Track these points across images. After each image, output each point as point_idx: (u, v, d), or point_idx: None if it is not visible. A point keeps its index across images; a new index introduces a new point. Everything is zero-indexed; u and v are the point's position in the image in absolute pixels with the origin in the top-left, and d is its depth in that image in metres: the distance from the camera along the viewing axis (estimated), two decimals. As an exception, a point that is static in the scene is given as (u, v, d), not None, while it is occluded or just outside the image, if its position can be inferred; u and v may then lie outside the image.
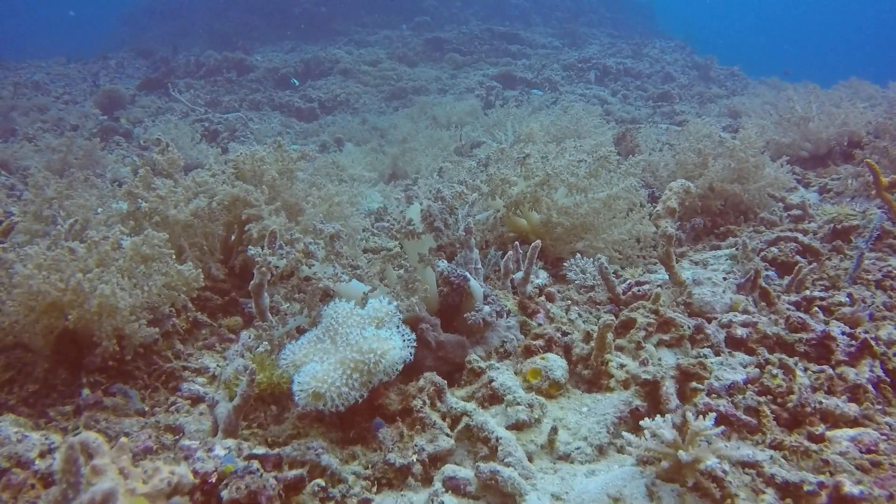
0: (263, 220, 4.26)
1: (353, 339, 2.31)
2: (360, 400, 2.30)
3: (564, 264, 4.59)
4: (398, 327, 2.46)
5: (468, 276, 3.02)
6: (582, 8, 32.29)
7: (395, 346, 2.32)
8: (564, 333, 3.17)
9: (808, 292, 4.18)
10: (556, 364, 2.84)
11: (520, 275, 3.44)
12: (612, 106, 16.80)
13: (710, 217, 6.41)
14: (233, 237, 4.57)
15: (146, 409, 3.08)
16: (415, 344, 2.45)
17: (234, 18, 26.86)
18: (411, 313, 2.70)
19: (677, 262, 5.85)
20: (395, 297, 2.69)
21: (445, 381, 2.64)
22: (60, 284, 2.76)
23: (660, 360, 2.90)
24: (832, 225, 5.72)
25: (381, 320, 2.44)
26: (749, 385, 2.83)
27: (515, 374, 2.88)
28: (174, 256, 4.17)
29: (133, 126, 12.14)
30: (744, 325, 3.40)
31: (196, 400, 3.24)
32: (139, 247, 3.15)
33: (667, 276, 4.94)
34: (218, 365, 3.60)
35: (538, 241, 3.34)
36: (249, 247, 2.54)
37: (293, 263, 2.54)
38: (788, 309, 3.99)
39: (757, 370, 2.93)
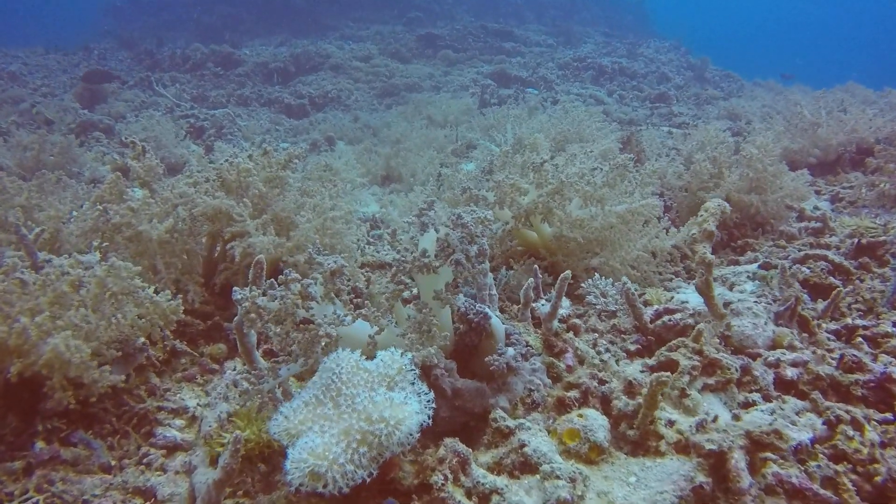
0: (249, 238, 3.83)
1: (361, 404, 1.89)
2: (369, 479, 1.88)
3: (583, 285, 4.19)
4: (413, 384, 2.05)
5: (489, 312, 2.61)
6: (575, 6, 31.97)
7: (411, 412, 1.90)
8: (601, 381, 2.76)
9: (849, 321, 3.81)
10: (596, 423, 2.43)
11: (544, 307, 3.03)
12: (609, 106, 16.45)
13: (726, 229, 6.04)
14: (216, 252, 4.14)
15: (112, 462, 2.65)
16: (433, 405, 2.03)
17: (221, 12, 26.26)
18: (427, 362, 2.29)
19: (695, 280, 5.49)
20: (408, 346, 2.28)
21: (470, 451, 2.23)
22: (2, 327, 2.33)
23: (715, 418, 2.50)
24: (856, 240, 5.36)
25: (392, 378, 2.03)
26: (817, 445, 2.44)
27: (548, 431, 2.48)
28: (150, 275, 3.78)
29: (114, 121, 11.62)
30: (794, 364, 3.02)
31: (172, 449, 2.81)
32: (104, 279, 2.71)
33: (691, 297, 4.57)
34: (198, 404, 3.18)
35: (568, 273, 2.93)
36: (235, 289, 2.11)
37: (289, 308, 2.12)
38: (829, 339, 3.63)
39: (822, 424, 2.54)
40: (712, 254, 5.99)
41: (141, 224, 3.64)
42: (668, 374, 2.37)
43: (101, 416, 2.87)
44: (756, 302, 3.91)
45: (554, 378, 2.80)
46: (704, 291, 3.16)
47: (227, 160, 4.13)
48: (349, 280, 4.16)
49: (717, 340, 3.27)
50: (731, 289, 4.98)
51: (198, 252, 3.99)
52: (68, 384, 2.48)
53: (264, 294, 2.17)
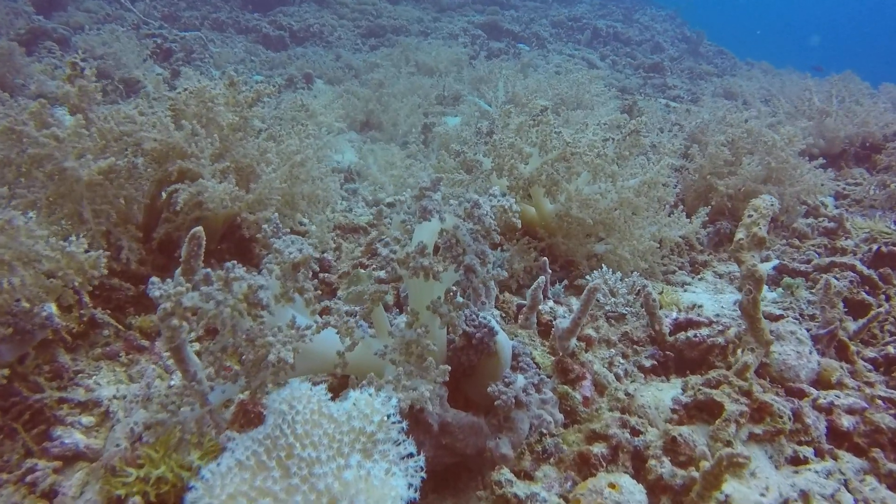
0: (202, 182, 3.16)
1: (323, 479, 1.27)
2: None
3: (587, 277, 3.62)
4: (398, 443, 1.45)
5: (494, 326, 2.01)
6: (573, -37, 30.81)
7: (395, 498, 1.31)
8: (634, 431, 2.20)
9: (891, 350, 3.31)
10: (633, 499, 1.86)
11: (563, 322, 2.43)
12: (601, 71, 15.72)
13: (735, 220, 5.50)
14: (161, 199, 3.47)
15: (-16, 479, 2.02)
16: (423, 472, 1.44)
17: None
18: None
19: (699, 274, 4.97)
20: (393, 383, 1.65)
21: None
22: None
23: (786, 503, 1.96)
24: (875, 246, 4.87)
25: (371, 437, 1.42)
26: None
27: (566, 501, 1.91)
28: (75, 222, 3.10)
29: (72, 32, 10.59)
30: (850, 411, 2.49)
31: (71, 459, 2.19)
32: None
33: (704, 299, 4.04)
34: (115, 395, 2.54)
35: (598, 283, 2.33)
36: (152, 281, 1.46)
37: (226, 320, 1.49)
38: (868, 369, 3.14)
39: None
40: (717, 245, 5.50)
41: (66, 159, 2.93)
42: (744, 456, 1.79)
43: (-19, 408, 2.24)
44: (793, 318, 3.40)
45: (567, 412, 2.23)
46: (750, 312, 2.60)
47: (185, 89, 3.43)
48: (320, 254, 3.51)
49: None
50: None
51: (138, 198, 3.30)
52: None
53: (195, 288, 1.53)
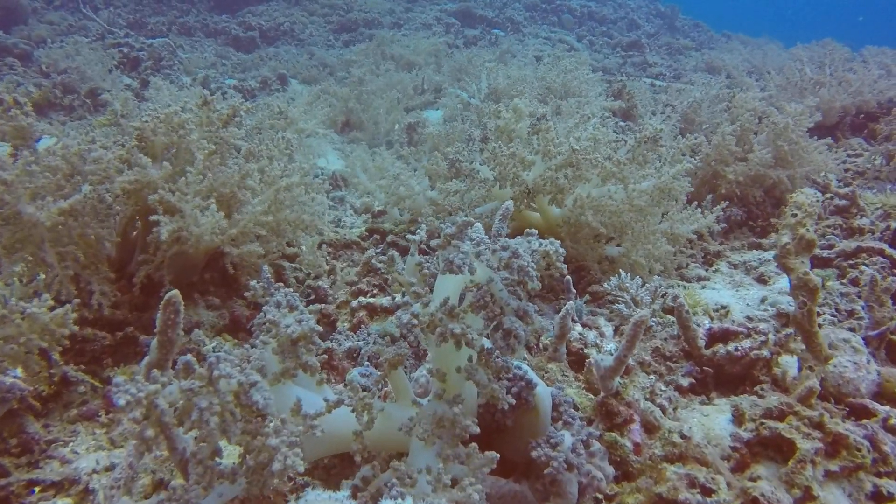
0: (186, 215, 2.84)
1: None
2: None
3: (605, 285, 3.34)
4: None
5: (532, 377, 1.72)
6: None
7: None
8: (705, 490, 1.91)
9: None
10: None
11: (605, 359, 2.12)
12: (580, 53, 15.44)
13: (745, 206, 5.25)
14: (134, 233, 3.14)
15: None
16: None
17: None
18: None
19: (713, 266, 4.70)
20: (433, 480, 1.35)
21: None
22: None
23: None
24: (894, 224, 4.63)
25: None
26: None
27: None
28: (40, 268, 2.78)
29: (34, 46, 10.15)
30: (927, 434, 2.23)
31: (45, 560, 1.89)
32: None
33: (728, 298, 3.77)
34: (95, 468, 2.23)
35: (646, 312, 2.04)
36: (116, 381, 1.16)
37: (213, 432, 1.18)
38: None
39: None
40: (727, 232, 5.24)
41: (19, 202, 2.60)
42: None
43: (-63, 505, 1.93)
44: (829, 314, 3.14)
45: (617, 463, 1.95)
46: (805, 326, 2.33)
47: (150, 114, 3.09)
48: (313, 281, 3.19)
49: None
50: (763, 282, 4.24)
51: (106, 236, 2.97)
52: None
53: (177, 376, 1.22)
